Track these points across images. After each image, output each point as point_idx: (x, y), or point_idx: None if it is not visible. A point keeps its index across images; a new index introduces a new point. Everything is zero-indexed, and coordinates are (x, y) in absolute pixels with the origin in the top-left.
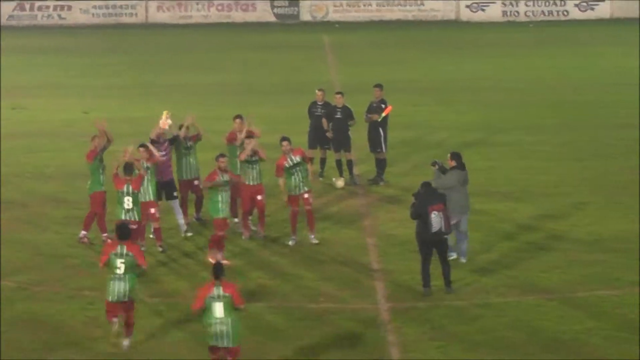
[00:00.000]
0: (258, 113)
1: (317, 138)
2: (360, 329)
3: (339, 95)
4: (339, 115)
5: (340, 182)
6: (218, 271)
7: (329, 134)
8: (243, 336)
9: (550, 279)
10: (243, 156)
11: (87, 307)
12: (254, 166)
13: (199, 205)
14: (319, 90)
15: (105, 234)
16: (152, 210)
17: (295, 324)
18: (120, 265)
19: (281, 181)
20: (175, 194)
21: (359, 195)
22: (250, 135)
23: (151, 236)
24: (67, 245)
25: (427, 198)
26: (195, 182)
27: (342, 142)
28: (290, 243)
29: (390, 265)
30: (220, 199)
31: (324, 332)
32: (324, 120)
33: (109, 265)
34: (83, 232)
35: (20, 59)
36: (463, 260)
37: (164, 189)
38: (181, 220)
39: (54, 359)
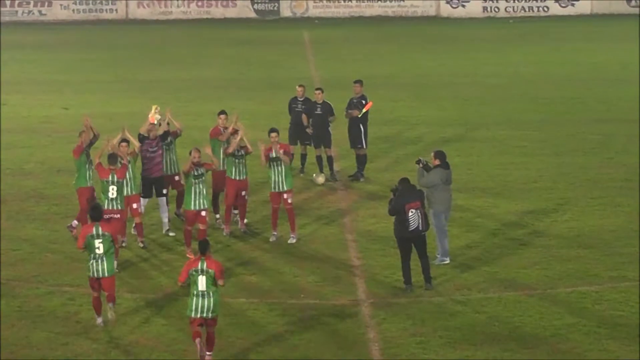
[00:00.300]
0: (238, 109)
1: (297, 134)
2: (341, 325)
3: (318, 92)
4: (319, 111)
5: (320, 178)
6: (203, 247)
7: (309, 130)
8: (221, 312)
9: (530, 275)
10: (230, 150)
11: (67, 303)
12: (240, 160)
13: (179, 200)
14: (300, 86)
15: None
16: (135, 205)
17: (276, 320)
18: (98, 246)
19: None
20: (164, 191)
21: (339, 192)
22: (235, 133)
23: (133, 231)
24: (47, 241)
25: (404, 195)
26: (176, 178)
27: (323, 138)
28: (271, 239)
29: (370, 261)
30: (193, 191)
31: (305, 328)
32: (304, 116)
33: (88, 248)
34: (75, 222)
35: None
36: (447, 260)
37: (154, 185)
38: (165, 218)
39: (32, 357)
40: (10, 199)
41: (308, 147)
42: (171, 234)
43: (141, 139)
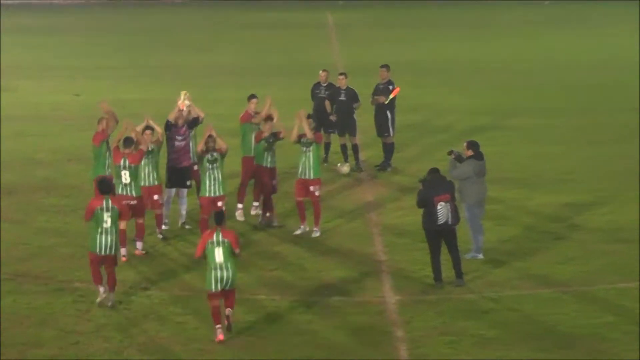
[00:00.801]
0: (257, 95)
1: (320, 121)
2: (367, 323)
3: (342, 77)
4: (343, 98)
5: (345, 169)
6: (219, 218)
7: (333, 117)
8: (241, 309)
9: (566, 271)
10: (264, 135)
11: (78, 300)
12: (272, 147)
13: (159, 220)
14: (323, 71)
15: None
16: (155, 197)
17: (299, 317)
18: (107, 219)
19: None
20: (188, 182)
21: (365, 183)
22: (270, 118)
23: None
24: (57, 235)
25: (433, 187)
26: (195, 167)
27: (347, 126)
28: (296, 232)
29: (397, 256)
30: (208, 177)
31: (328, 327)
32: (327, 103)
33: (96, 220)
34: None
35: (8, 39)
36: (480, 256)
37: (179, 175)
38: (184, 210)
39: (42, 357)
40: (20, 190)
41: (332, 135)
42: (187, 226)
43: (168, 126)
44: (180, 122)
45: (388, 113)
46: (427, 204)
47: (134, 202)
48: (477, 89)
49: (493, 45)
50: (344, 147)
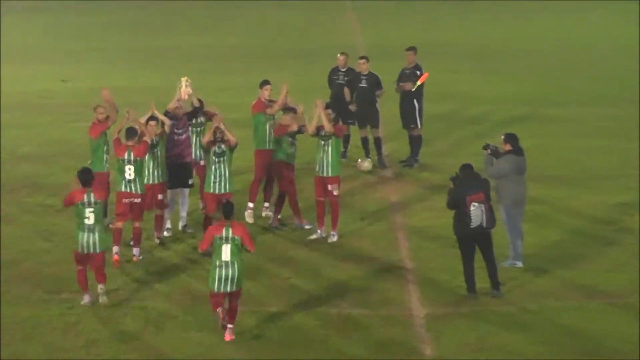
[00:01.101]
0: (263, 79)
1: (338, 111)
2: (391, 338)
3: (363, 61)
4: (364, 84)
5: (366, 164)
6: (228, 210)
7: (353, 107)
8: (252, 322)
9: (616, 280)
10: (287, 129)
11: (66, 313)
12: (294, 141)
13: (159, 223)
14: (341, 54)
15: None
16: (160, 196)
17: (317, 332)
18: (89, 215)
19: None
20: (190, 181)
21: (389, 180)
22: (293, 109)
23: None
24: (42, 239)
25: (466, 185)
26: (202, 162)
27: (368, 116)
28: (312, 237)
29: (425, 263)
30: (213, 171)
31: (349, 343)
32: (346, 90)
33: (77, 215)
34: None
35: None
36: (519, 263)
37: (180, 172)
38: (184, 212)
39: None
40: (1, 188)
41: (351, 126)
42: (189, 230)
43: (168, 117)
44: (180, 112)
45: (415, 102)
46: (458, 205)
47: (138, 199)
48: (515, 74)
49: (534, 24)
50: (365, 141)
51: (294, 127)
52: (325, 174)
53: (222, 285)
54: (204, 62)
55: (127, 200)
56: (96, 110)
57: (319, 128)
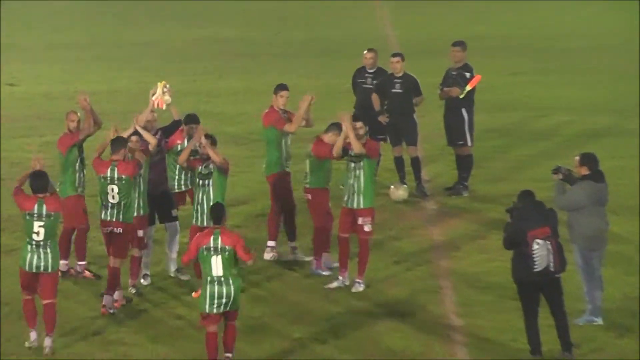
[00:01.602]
0: (270, 84)
1: (365, 124)
2: None
3: (396, 59)
4: (398, 89)
5: (400, 192)
6: (217, 214)
7: (383, 118)
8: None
9: None
10: (325, 152)
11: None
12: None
13: (135, 268)
14: (369, 51)
15: (81, 263)
16: (141, 233)
17: None
18: (38, 230)
19: None
20: (174, 212)
21: (430, 213)
22: (338, 126)
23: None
24: None
25: (527, 218)
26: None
27: (404, 130)
28: (332, 285)
29: (477, 319)
30: (197, 197)
31: None
32: (375, 97)
33: (25, 227)
34: (63, 262)
35: None
36: (598, 320)
37: (159, 204)
38: (174, 252)
39: None
40: None
41: (382, 143)
42: (183, 277)
43: (136, 134)
44: (152, 127)
45: (464, 112)
46: (518, 243)
47: (119, 229)
48: (592, 77)
49: (613, 13)
50: (399, 161)
51: (336, 148)
52: (355, 205)
53: (216, 305)
54: (193, 60)
55: (106, 230)
56: (67, 117)
57: (346, 147)
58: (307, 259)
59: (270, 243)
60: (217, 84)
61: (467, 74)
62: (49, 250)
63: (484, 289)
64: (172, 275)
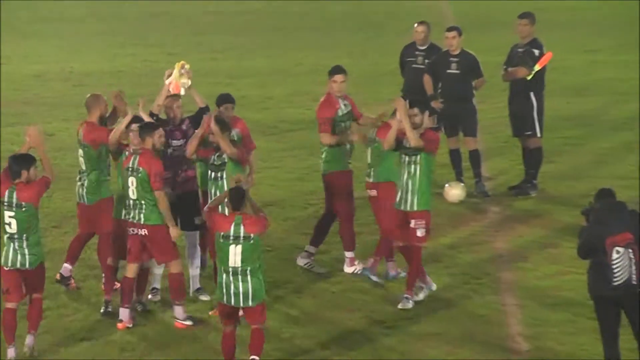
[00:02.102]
0: (306, 64)
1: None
2: None
3: (452, 34)
4: (454, 69)
5: (457, 192)
6: (237, 199)
7: (437, 104)
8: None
9: None
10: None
11: None
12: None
13: (141, 285)
14: (420, 24)
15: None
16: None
17: None
18: (9, 221)
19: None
20: (197, 220)
21: (492, 216)
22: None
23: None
24: None
25: (605, 221)
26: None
27: (461, 118)
28: (401, 306)
29: (546, 341)
30: (210, 196)
31: None
32: (427, 78)
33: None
34: (67, 266)
35: None
36: None
37: (179, 207)
38: (195, 269)
39: None
40: None
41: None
42: (203, 297)
43: (148, 124)
44: (175, 115)
45: (532, 97)
46: (594, 251)
47: (143, 231)
48: None
49: None
50: (455, 155)
51: (413, 140)
52: (408, 207)
53: (232, 297)
54: (212, 36)
55: (133, 230)
56: (116, 98)
57: (400, 138)
58: (322, 271)
59: (349, 254)
60: (239, 63)
61: (536, 52)
62: (25, 245)
63: (555, 306)
64: (191, 294)
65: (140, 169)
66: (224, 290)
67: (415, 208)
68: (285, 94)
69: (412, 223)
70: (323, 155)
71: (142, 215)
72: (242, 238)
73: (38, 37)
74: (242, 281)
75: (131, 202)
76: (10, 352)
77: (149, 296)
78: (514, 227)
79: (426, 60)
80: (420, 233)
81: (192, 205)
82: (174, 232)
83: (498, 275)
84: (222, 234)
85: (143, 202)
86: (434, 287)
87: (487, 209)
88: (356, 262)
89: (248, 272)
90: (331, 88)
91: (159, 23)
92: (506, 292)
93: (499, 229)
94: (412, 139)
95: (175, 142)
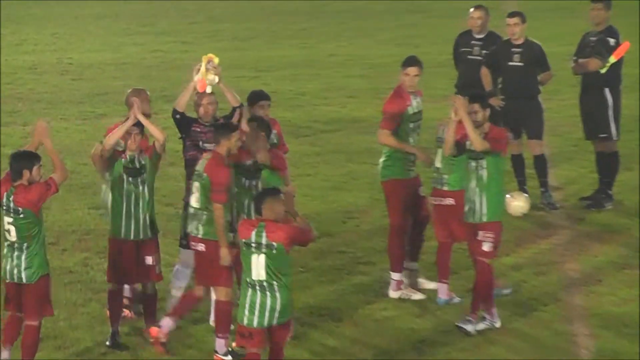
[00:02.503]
0: (333, 52)
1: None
2: None
3: (514, 20)
4: (516, 62)
5: (519, 204)
6: (260, 200)
7: (497, 101)
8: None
9: None
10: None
11: None
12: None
13: (149, 309)
14: (476, 9)
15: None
16: (149, 260)
17: None
18: (9, 228)
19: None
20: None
21: (560, 233)
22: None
23: (129, 314)
24: None
25: None
26: None
27: (525, 118)
28: (470, 328)
29: None
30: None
31: None
32: (484, 72)
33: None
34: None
35: None
36: None
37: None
38: (178, 291)
39: None
40: None
41: None
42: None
43: (181, 123)
44: (206, 112)
45: (607, 94)
46: None
47: (201, 246)
48: None
49: None
50: (518, 161)
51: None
52: (476, 218)
53: (259, 317)
54: (233, 22)
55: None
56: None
57: (462, 141)
58: (431, 286)
59: (395, 276)
60: (267, 53)
61: (612, 41)
62: (23, 256)
63: (634, 337)
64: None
65: (205, 174)
66: (247, 308)
67: (484, 219)
68: (318, 89)
69: (480, 235)
70: (382, 159)
71: (201, 228)
72: (264, 246)
73: (33, 22)
74: (270, 297)
75: (192, 211)
76: (4, 353)
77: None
78: (587, 245)
79: (484, 51)
80: (487, 247)
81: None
82: (224, 254)
83: (568, 300)
84: (244, 241)
85: (205, 213)
86: (499, 323)
87: (555, 224)
88: (402, 286)
89: (275, 287)
90: (403, 82)
91: (169, 6)
92: (578, 320)
93: (569, 248)
94: (477, 142)
95: (206, 146)
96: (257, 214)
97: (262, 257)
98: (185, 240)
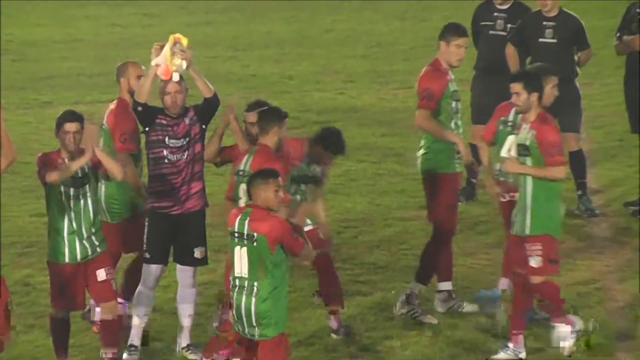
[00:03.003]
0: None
1: (495, 93)
2: None
3: None
4: (549, 38)
5: None
6: (250, 180)
7: None
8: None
9: None
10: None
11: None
12: None
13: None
14: None
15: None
16: (102, 274)
17: None
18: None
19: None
20: (196, 251)
21: (601, 245)
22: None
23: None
24: None
25: None
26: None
27: (559, 106)
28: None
29: None
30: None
31: None
32: (510, 50)
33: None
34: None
35: None
36: None
37: (176, 233)
38: (187, 319)
39: None
40: None
41: None
42: (192, 357)
43: (143, 115)
44: (175, 104)
45: None
46: None
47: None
48: None
49: None
50: None
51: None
52: (520, 230)
53: (237, 322)
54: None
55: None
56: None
57: (493, 133)
58: (469, 308)
59: (445, 285)
60: (246, 28)
61: None
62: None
63: None
64: (178, 353)
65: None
66: (235, 313)
67: (527, 232)
68: (310, 72)
69: (528, 248)
70: (421, 152)
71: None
72: (245, 237)
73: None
74: (248, 297)
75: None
76: None
77: (125, 355)
78: (633, 260)
79: (509, 25)
80: (534, 262)
81: (194, 230)
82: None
83: (612, 325)
84: (229, 229)
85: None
86: (524, 354)
87: (595, 234)
88: (454, 295)
89: (256, 288)
90: (448, 54)
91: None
92: (624, 351)
93: (611, 258)
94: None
95: (173, 142)
96: (248, 197)
97: (244, 250)
98: (148, 254)
